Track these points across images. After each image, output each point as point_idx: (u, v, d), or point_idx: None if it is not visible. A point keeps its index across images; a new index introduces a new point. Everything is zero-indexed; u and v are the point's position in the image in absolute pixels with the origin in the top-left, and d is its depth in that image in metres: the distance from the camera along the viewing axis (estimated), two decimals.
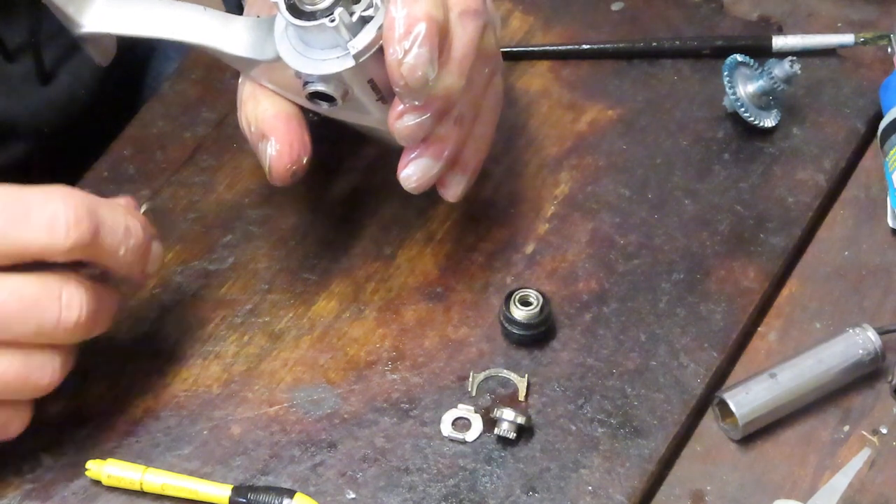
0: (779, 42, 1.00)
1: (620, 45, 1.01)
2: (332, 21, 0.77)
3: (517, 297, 0.86)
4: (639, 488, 0.81)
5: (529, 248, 0.91)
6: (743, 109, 0.94)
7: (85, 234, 0.75)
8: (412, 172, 0.83)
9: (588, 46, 1.01)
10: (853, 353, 0.84)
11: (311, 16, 0.78)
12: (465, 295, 0.89)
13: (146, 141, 0.97)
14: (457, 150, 0.84)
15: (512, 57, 1.00)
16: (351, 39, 0.78)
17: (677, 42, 1.01)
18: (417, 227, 0.92)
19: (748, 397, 0.82)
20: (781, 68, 0.94)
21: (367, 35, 0.78)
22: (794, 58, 0.94)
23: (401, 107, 0.80)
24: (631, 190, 0.94)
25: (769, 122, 0.96)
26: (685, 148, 0.96)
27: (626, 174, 0.95)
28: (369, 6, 0.78)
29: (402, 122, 0.80)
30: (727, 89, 0.94)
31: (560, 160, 0.96)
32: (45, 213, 0.74)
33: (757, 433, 0.83)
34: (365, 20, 0.78)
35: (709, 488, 0.81)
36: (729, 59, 0.95)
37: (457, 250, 0.90)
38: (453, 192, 0.86)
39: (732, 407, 0.82)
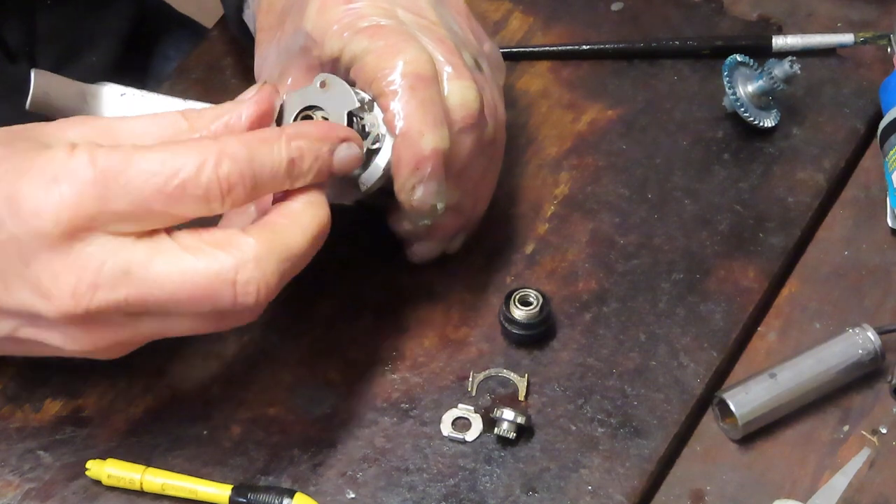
0: (779, 42, 1.00)
1: (620, 45, 1.01)
2: None
3: (517, 296, 0.86)
4: (639, 488, 0.81)
5: (529, 248, 0.91)
6: (743, 109, 0.94)
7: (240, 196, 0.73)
8: (416, 251, 0.87)
9: (588, 46, 1.01)
10: (853, 353, 0.84)
11: None
12: (465, 295, 0.89)
13: None
14: (458, 228, 0.87)
15: (512, 57, 1.00)
16: (360, 174, 0.80)
17: (677, 42, 1.01)
18: None
19: (748, 397, 0.82)
20: (781, 68, 0.93)
21: (375, 170, 0.80)
22: (794, 58, 0.94)
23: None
24: (631, 190, 0.94)
25: (769, 122, 0.96)
26: (685, 148, 0.96)
27: (626, 174, 0.95)
28: (376, 140, 0.80)
29: (403, 227, 0.85)
30: (727, 89, 0.94)
31: (560, 160, 0.96)
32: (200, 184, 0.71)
33: (757, 433, 0.83)
34: (372, 152, 0.80)
35: (709, 488, 0.81)
36: (729, 59, 0.95)
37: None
38: (452, 247, 0.89)
39: (732, 407, 0.82)
